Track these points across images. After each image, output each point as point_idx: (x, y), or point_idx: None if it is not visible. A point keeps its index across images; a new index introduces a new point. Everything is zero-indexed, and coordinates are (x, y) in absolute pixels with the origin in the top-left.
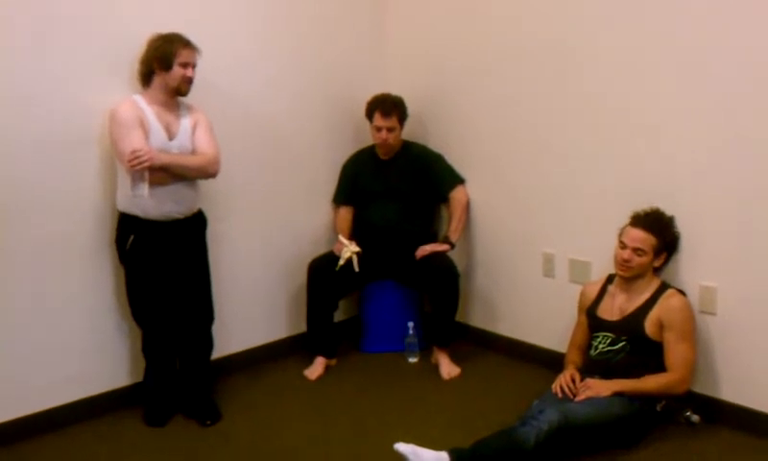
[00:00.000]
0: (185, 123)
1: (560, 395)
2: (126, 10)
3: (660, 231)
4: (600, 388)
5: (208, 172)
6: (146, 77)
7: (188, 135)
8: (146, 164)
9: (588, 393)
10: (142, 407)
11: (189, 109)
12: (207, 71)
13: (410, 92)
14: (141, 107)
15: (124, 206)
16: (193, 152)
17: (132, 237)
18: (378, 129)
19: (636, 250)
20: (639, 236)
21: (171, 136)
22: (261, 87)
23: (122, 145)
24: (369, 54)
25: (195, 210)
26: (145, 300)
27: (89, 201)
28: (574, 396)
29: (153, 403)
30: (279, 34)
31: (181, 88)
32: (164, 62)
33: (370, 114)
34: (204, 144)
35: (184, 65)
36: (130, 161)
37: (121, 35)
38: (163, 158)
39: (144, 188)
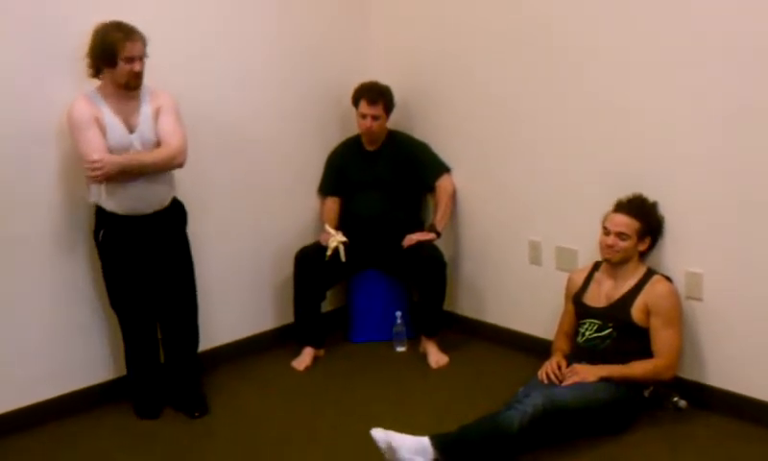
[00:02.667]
0: (146, 111)
1: (545, 381)
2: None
3: (642, 215)
4: (587, 373)
5: (173, 164)
6: (95, 70)
7: (150, 126)
8: (100, 175)
9: (575, 378)
10: (131, 401)
11: (151, 94)
12: (190, 60)
13: (396, 81)
14: (96, 102)
15: (92, 199)
16: (157, 143)
17: (102, 230)
18: (363, 116)
19: (619, 234)
20: (622, 221)
21: (131, 129)
22: (246, 77)
23: (80, 148)
24: (354, 42)
25: (167, 203)
26: (120, 289)
27: (64, 194)
28: (561, 382)
29: (140, 396)
30: (263, 22)
31: (130, 84)
32: (107, 59)
33: (356, 101)
34: (168, 133)
35: (129, 60)
36: (89, 175)
37: (79, 24)
38: (117, 161)
39: (98, 193)
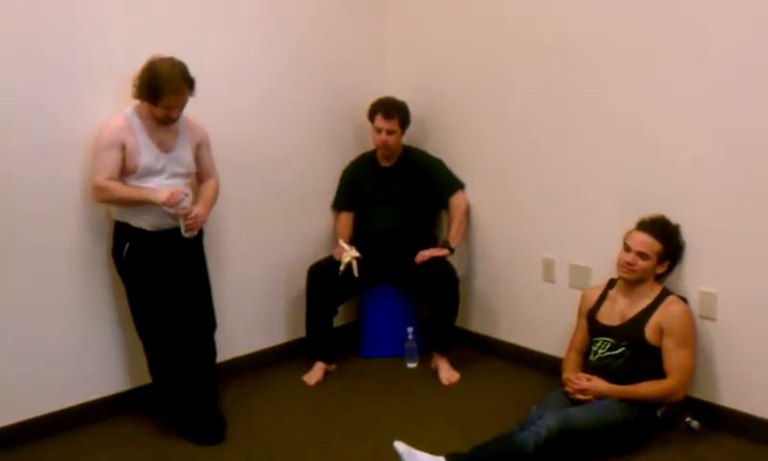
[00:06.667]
0: (184, 137)
1: (570, 391)
2: (117, 17)
3: (665, 238)
4: (600, 384)
5: (219, 191)
6: (138, 95)
7: (189, 152)
8: (199, 225)
9: (588, 384)
10: (189, 437)
11: (187, 121)
12: (207, 79)
13: (412, 97)
14: (132, 123)
15: (118, 216)
16: (198, 174)
17: (127, 245)
18: (378, 130)
19: (640, 254)
20: (644, 240)
21: (165, 149)
22: (261, 94)
23: (93, 165)
24: (369, 59)
25: None
26: (150, 311)
27: (87, 207)
28: (577, 401)
29: (193, 424)
30: (278, 40)
31: (164, 122)
32: (151, 97)
33: (371, 116)
34: (212, 167)
35: (167, 108)
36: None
37: (110, 44)
38: (207, 215)
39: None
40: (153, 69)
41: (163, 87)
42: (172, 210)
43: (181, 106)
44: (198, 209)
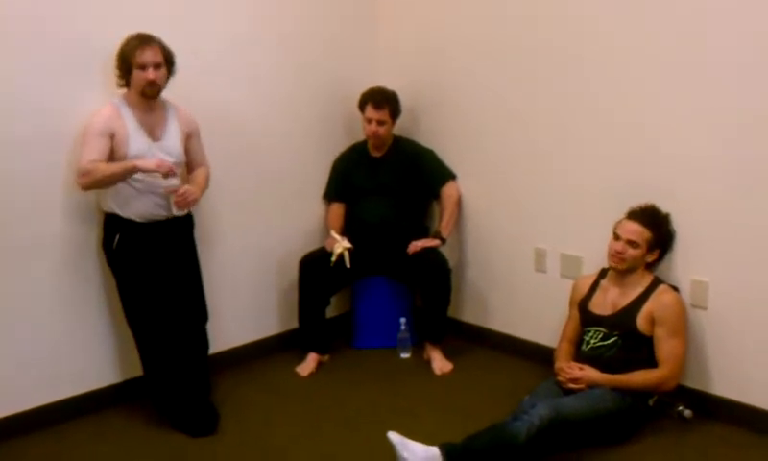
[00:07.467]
0: (173, 127)
1: (562, 380)
2: (99, 7)
3: (655, 226)
4: (592, 373)
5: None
6: (123, 80)
7: (178, 141)
8: (191, 204)
9: (580, 373)
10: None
11: (176, 110)
12: (195, 69)
13: (402, 87)
14: (121, 111)
15: (108, 207)
16: (189, 164)
17: (117, 236)
18: (369, 120)
19: (629, 242)
20: (634, 229)
21: (155, 138)
22: (250, 83)
23: (82, 151)
24: (360, 49)
25: None
26: (141, 303)
27: (75, 199)
28: (569, 391)
29: (186, 416)
30: (267, 28)
31: (145, 91)
32: (125, 67)
33: (362, 106)
34: (203, 157)
35: (142, 67)
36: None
37: (99, 37)
38: (198, 195)
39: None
40: (123, 41)
41: (131, 49)
42: (163, 183)
43: (156, 67)
44: (187, 186)
